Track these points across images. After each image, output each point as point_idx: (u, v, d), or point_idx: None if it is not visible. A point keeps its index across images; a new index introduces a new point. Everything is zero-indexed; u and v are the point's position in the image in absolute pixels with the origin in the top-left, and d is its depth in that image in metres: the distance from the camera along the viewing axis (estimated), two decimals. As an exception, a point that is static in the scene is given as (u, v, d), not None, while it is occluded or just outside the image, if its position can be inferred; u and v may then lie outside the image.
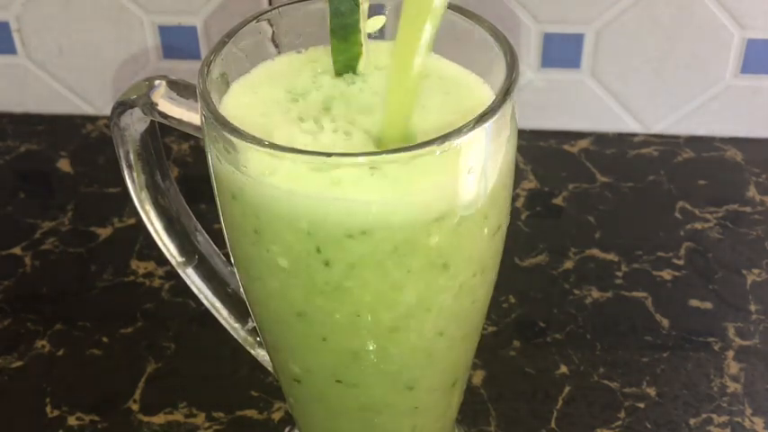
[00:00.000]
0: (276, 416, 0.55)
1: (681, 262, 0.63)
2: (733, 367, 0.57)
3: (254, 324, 0.46)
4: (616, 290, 0.61)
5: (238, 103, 0.40)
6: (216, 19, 0.71)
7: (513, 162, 0.40)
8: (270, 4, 0.70)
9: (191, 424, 0.54)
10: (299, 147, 0.35)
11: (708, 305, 0.60)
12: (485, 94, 0.40)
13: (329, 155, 0.34)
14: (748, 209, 0.67)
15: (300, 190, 0.35)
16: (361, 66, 0.40)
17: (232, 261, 0.43)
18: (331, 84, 0.40)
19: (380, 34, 0.42)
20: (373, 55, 0.40)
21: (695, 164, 0.71)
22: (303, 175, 0.35)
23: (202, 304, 0.48)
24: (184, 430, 0.54)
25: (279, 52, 0.42)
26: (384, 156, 0.34)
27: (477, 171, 0.37)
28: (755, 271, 0.63)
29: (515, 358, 0.57)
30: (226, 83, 0.41)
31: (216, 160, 0.38)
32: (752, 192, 0.68)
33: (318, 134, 0.37)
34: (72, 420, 0.55)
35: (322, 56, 0.41)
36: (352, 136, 0.37)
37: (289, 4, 0.42)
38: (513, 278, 0.62)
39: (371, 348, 0.40)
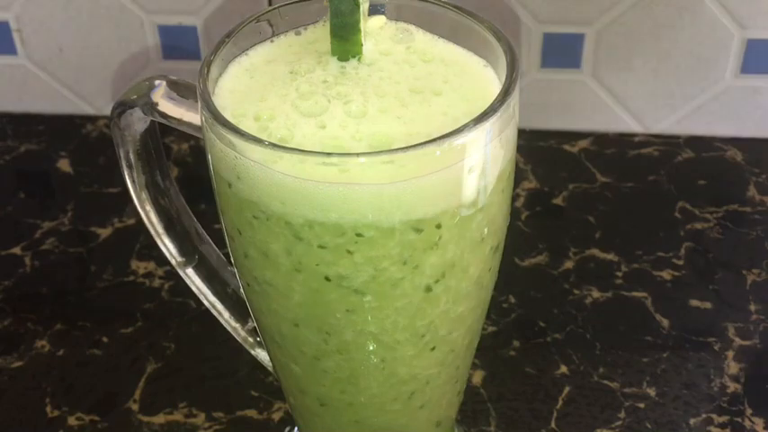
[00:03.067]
0: (276, 416, 0.55)
1: (681, 262, 0.63)
2: (733, 367, 0.57)
3: (254, 324, 0.46)
4: (616, 290, 0.61)
5: (235, 86, 0.40)
6: (216, 19, 0.71)
7: (513, 162, 0.40)
8: (270, 4, 0.70)
9: (191, 424, 0.54)
10: (302, 133, 0.35)
11: (708, 305, 0.60)
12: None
13: (329, 155, 0.34)
14: (748, 209, 0.67)
15: (300, 187, 0.35)
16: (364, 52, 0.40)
17: (232, 261, 0.43)
18: (336, 64, 0.40)
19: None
20: (376, 42, 0.40)
21: (695, 164, 0.71)
22: (306, 171, 0.35)
23: (202, 304, 0.48)
24: (184, 430, 0.54)
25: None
26: (385, 156, 0.34)
27: (477, 171, 0.37)
28: (755, 271, 0.63)
29: (515, 358, 0.57)
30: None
31: (216, 160, 0.38)
32: (752, 192, 0.68)
33: (322, 116, 0.37)
34: (72, 420, 0.55)
35: (321, 36, 0.41)
36: (362, 119, 0.37)
37: (288, 4, 0.42)
38: (513, 278, 0.62)
39: (372, 349, 0.40)
